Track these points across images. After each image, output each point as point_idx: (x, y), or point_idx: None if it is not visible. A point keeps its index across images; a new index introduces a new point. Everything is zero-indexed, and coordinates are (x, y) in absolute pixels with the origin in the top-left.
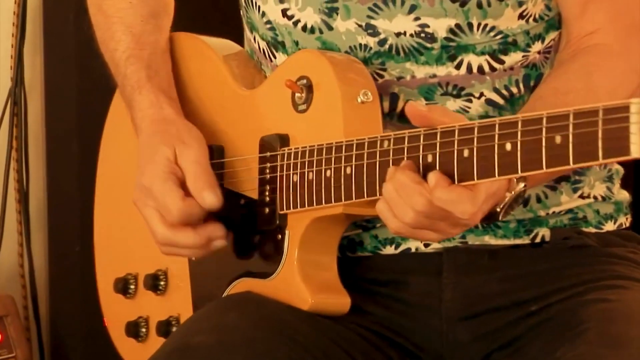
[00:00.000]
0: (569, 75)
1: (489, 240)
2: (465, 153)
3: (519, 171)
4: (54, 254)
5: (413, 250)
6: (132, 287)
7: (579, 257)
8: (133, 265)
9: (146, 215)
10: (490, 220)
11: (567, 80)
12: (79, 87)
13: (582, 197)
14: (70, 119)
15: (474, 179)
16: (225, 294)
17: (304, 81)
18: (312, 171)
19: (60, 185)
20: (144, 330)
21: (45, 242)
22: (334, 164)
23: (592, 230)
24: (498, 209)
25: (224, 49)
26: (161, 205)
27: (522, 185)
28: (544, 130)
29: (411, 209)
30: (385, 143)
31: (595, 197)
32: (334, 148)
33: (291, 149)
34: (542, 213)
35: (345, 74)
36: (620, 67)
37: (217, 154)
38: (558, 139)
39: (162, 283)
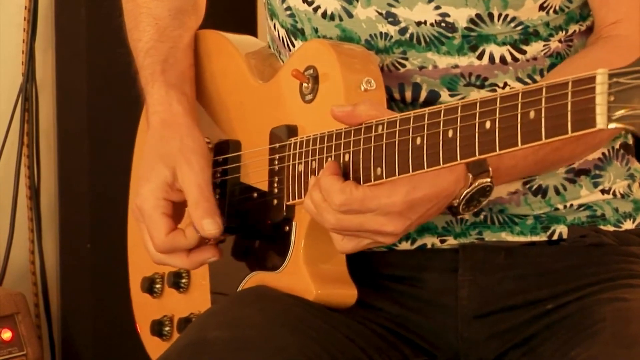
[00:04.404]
0: (572, 69)
1: (506, 237)
2: (450, 133)
3: (497, 149)
4: (65, 251)
5: (429, 246)
6: (159, 286)
7: (596, 255)
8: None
9: (140, 230)
10: (454, 213)
11: (570, 74)
12: (90, 82)
13: (602, 192)
14: (81, 115)
15: (457, 159)
16: (239, 289)
17: (311, 71)
18: (315, 160)
19: (71, 181)
20: (167, 328)
21: (56, 239)
22: (334, 151)
23: (611, 228)
24: (455, 203)
25: (246, 46)
26: (149, 232)
27: (487, 179)
28: (519, 106)
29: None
30: (380, 127)
31: (615, 194)
32: (334, 135)
33: (297, 139)
34: (560, 206)
35: (349, 62)
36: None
37: (233, 148)
38: (532, 114)
39: (184, 281)
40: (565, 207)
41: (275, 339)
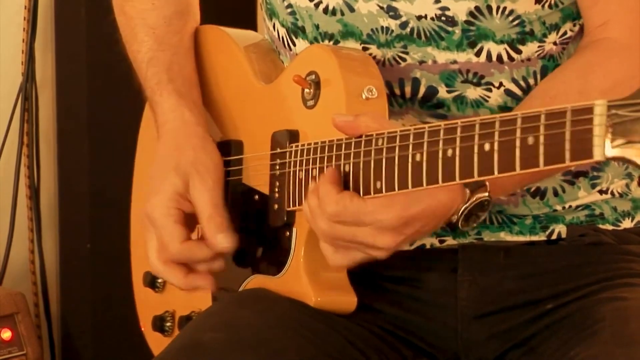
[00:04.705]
0: (565, 74)
1: (505, 236)
2: (449, 152)
3: (495, 172)
4: (65, 251)
5: (428, 246)
6: (161, 280)
7: (595, 254)
8: None
9: (147, 239)
10: (453, 229)
11: (561, 82)
12: (90, 82)
13: (600, 192)
14: (81, 115)
15: (455, 179)
16: (239, 291)
17: (313, 77)
18: (316, 168)
19: (71, 181)
20: (169, 324)
21: (56, 239)
22: (335, 161)
23: (609, 227)
24: (454, 219)
25: (245, 40)
26: (160, 240)
27: (484, 194)
28: (518, 131)
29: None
30: (380, 141)
31: (613, 193)
32: (335, 146)
33: (299, 146)
34: (558, 207)
35: (351, 70)
36: (625, 63)
37: (235, 149)
38: (530, 140)
39: None
40: (563, 208)
41: (272, 341)
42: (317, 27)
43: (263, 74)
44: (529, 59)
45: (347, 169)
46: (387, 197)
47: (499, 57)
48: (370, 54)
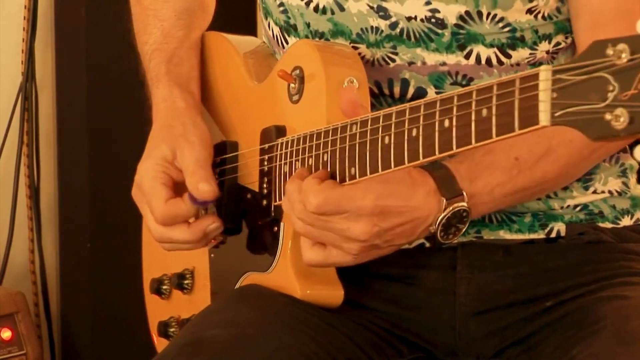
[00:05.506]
0: None
1: (504, 234)
2: (414, 132)
3: (454, 147)
4: (65, 250)
5: (427, 245)
6: (166, 287)
7: (595, 253)
8: (168, 266)
9: (142, 211)
10: (434, 242)
11: None
12: (89, 82)
13: (595, 192)
14: (81, 114)
15: (419, 158)
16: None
17: (297, 72)
18: (299, 160)
19: (71, 180)
20: (173, 329)
21: (56, 238)
22: (315, 151)
23: (609, 225)
24: (432, 230)
25: (246, 47)
26: (149, 204)
27: (462, 204)
28: (473, 104)
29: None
30: (354, 127)
31: (610, 192)
32: (314, 135)
33: (283, 140)
34: (556, 206)
35: (333, 63)
36: None
37: (231, 150)
38: (484, 112)
39: (187, 282)
40: (562, 207)
41: (274, 338)
42: (308, 25)
43: (258, 75)
44: (518, 64)
45: (325, 158)
46: (365, 183)
47: (488, 60)
48: (360, 54)
